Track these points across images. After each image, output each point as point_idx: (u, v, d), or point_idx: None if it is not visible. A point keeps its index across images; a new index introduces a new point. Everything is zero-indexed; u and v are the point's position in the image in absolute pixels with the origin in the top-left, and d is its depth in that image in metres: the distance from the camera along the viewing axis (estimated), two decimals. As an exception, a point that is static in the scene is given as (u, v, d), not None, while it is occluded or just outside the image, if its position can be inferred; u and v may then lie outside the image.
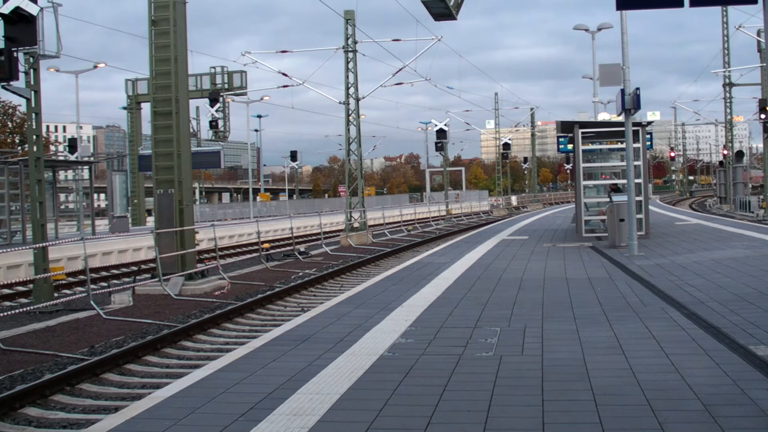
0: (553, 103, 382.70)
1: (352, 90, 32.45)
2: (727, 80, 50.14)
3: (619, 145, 21.68)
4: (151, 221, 37.54)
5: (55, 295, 17.06)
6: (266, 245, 25.21)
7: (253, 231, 31.36)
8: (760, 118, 38.82)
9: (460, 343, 7.54)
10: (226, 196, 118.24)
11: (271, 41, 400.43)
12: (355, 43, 32.21)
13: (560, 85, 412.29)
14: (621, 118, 17.72)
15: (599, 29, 39.01)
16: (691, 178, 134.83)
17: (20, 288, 18.99)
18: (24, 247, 21.10)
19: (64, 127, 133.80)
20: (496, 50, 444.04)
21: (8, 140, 57.32)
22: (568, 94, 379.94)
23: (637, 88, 16.56)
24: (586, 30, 39.09)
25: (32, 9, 14.95)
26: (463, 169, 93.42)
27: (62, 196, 40.92)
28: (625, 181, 20.83)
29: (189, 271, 17.46)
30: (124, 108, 43.85)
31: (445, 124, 46.34)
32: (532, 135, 79.78)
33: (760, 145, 66.30)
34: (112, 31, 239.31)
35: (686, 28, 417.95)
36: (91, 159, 42.37)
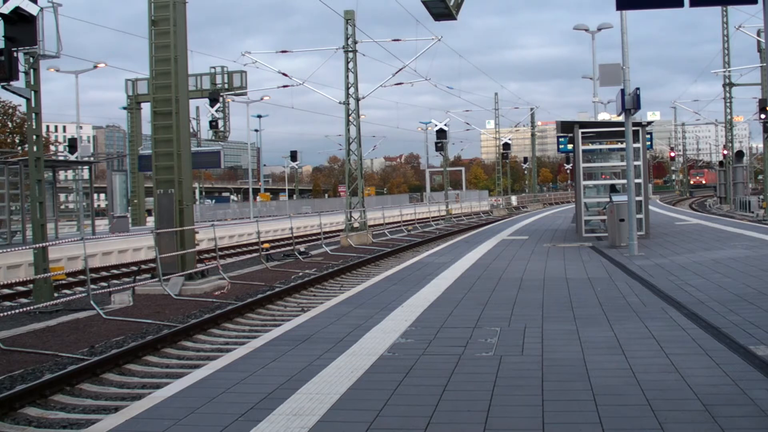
0: (560, 103, 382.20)
1: (352, 90, 32.46)
2: (727, 80, 50.15)
3: (619, 145, 21.69)
4: (151, 221, 37.55)
5: (55, 295, 17.07)
6: (266, 245, 25.21)
7: (253, 231, 31.36)
8: (760, 118, 38.84)
9: (460, 343, 7.54)
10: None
11: (284, 40, 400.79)
12: (355, 43, 32.21)
13: (568, 84, 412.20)
14: (621, 118, 17.73)
15: (599, 29, 39.02)
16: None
17: (20, 288, 18.99)
18: (24, 247, 21.12)
19: (65, 127, 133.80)
20: (512, 49, 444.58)
21: (8, 140, 57.34)
22: (575, 94, 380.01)
23: (637, 88, 16.56)
24: (586, 30, 39.08)
25: (32, 9, 14.96)
26: (463, 169, 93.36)
27: (62, 196, 40.89)
28: (623, 182, 20.90)
29: (189, 271, 17.46)
30: (124, 108, 43.86)
31: (445, 124, 46.37)
32: (532, 135, 79.75)
33: (760, 145, 66.32)
34: (123, 30, 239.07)
35: (699, 28, 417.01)
36: (91, 159, 42.35)
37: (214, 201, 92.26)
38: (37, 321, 13.48)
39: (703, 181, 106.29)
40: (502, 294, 10.97)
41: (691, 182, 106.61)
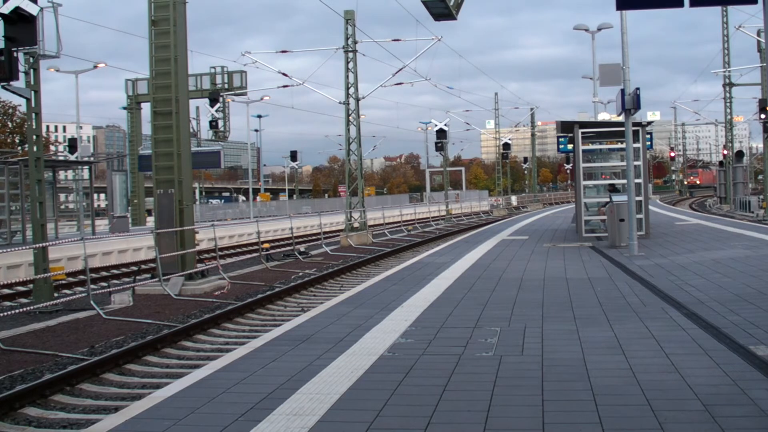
0: (560, 103, 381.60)
1: (352, 90, 32.46)
2: (727, 80, 50.15)
3: (619, 145, 21.69)
4: (151, 221, 37.55)
5: (55, 295, 17.07)
6: (266, 245, 25.21)
7: (253, 231, 31.38)
8: (760, 118, 38.86)
9: (460, 343, 7.54)
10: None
11: (285, 40, 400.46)
12: (355, 43, 32.21)
13: (568, 84, 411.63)
14: (621, 118, 17.73)
15: (599, 29, 39.02)
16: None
17: (20, 288, 18.99)
18: (24, 247, 21.11)
19: (65, 127, 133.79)
20: (512, 49, 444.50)
21: (8, 140, 57.34)
22: (575, 94, 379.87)
23: (637, 88, 16.57)
24: (586, 30, 39.08)
25: (32, 9, 14.96)
26: (463, 169, 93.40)
27: (62, 196, 40.92)
28: (624, 181, 20.89)
29: (189, 271, 17.46)
30: (124, 108, 43.87)
31: (445, 124, 46.36)
32: (532, 135, 79.78)
33: (760, 145, 66.31)
34: (123, 30, 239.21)
35: (699, 28, 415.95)
36: (91, 159, 42.35)
37: (222, 200, 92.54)
38: (37, 321, 13.48)
39: (697, 182, 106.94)
40: (502, 294, 10.97)
41: (685, 182, 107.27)
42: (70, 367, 9.53)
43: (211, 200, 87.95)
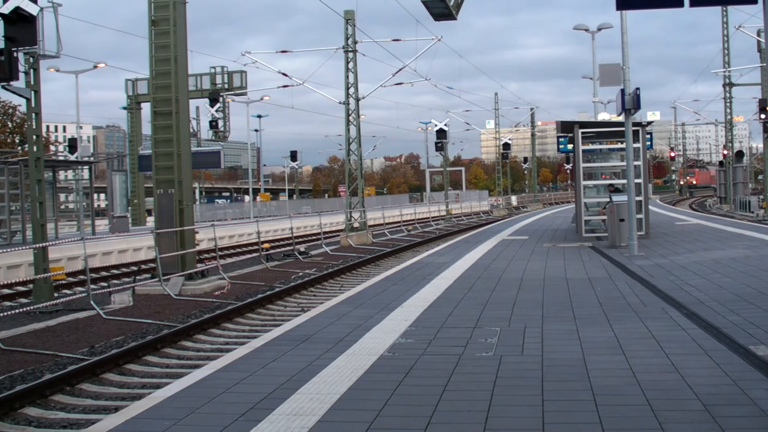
0: (560, 103, 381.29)
1: (352, 90, 32.45)
2: (727, 80, 50.15)
3: (619, 145, 21.69)
4: (151, 221, 37.54)
5: (55, 295, 17.07)
6: (266, 245, 25.21)
7: (253, 231, 31.37)
8: (760, 118, 38.87)
9: (460, 343, 7.54)
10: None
11: (285, 40, 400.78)
12: (355, 43, 32.21)
13: (568, 84, 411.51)
14: (621, 118, 17.73)
15: (599, 29, 39.02)
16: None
17: (20, 288, 18.99)
18: (24, 247, 21.11)
19: (65, 127, 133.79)
20: (512, 49, 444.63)
21: (8, 140, 57.34)
22: (575, 94, 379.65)
23: (637, 88, 16.57)
24: (586, 30, 39.07)
25: (32, 9, 14.96)
26: (463, 169, 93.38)
27: (62, 196, 40.91)
28: (624, 181, 20.87)
29: (189, 271, 17.46)
30: (124, 108, 43.87)
31: (445, 124, 46.36)
32: (532, 135, 79.78)
33: (760, 145, 66.32)
34: (123, 30, 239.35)
35: (699, 28, 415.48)
36: (91, 159, 42.34)
37: (228, 200, 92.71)
38: (37, 321, 13.48)
39: (694, 182, 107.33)
40: (502, 294, 10.97)
41: (681, 182, 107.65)
42: (70, 367, 9.53)
43: (216, 200, 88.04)
